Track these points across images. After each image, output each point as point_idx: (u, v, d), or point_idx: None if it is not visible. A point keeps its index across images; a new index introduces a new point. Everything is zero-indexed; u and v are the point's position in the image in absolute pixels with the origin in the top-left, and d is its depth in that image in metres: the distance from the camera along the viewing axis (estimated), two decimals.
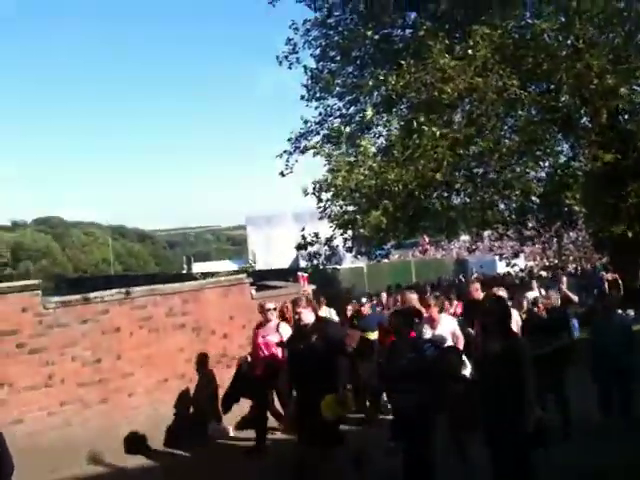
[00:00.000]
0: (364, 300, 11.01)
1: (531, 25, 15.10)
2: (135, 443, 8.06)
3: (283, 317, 8.72)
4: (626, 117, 16.21)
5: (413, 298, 8.73)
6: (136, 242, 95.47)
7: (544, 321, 8.26)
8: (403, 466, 5.54)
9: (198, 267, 39.68)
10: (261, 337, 8.22)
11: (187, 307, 9.05)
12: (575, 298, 11.82)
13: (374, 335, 9.66)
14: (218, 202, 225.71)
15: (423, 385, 5.44)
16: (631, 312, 16.57)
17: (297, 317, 7.01)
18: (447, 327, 7.91)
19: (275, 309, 8.46)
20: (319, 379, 6.15)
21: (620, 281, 15.78)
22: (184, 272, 37.46)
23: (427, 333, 7.85)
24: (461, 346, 7.96)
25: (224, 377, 8.91)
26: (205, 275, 19.31)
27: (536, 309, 8.82)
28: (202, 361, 8.96)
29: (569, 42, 14.75)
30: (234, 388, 8.48)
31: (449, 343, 7.69)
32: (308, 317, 6.79)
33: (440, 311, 8.32)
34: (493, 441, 4.93)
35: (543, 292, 12.95)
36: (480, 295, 9.25)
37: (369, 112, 15.48)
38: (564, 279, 14.34)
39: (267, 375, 8.01)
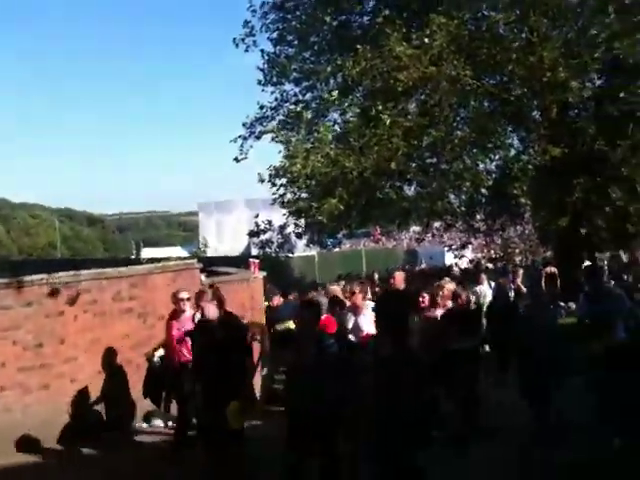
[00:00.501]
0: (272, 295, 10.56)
1: (486, 17, 15.28)
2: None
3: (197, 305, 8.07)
4: (576, 112, 16.57)
5: (336, 290, 8.84)
6: (85, 226, 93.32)
7: (463, 314, 7.98)
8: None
9: (147, 252, 38.99)
10: (176, 329, 7.68)
11: (134, 292, 8.88)
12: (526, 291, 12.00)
13: (290, 325, 9.30)
14: (170, 187, 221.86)
15: (322, 386, 4.75)
16: (572, 305, 17.09)
17: (200, 311, 6.59)
18: (372, 315, 7.27)
19: (189, 299, 7.94)
20: (222, 380, 5.74)
21: (557, 276, 16.17)
22: (133, 257, 36.76)
23: (350, 321, 7.81)
24: None
25: None
26: (153, 260, 18.97)
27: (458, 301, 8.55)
28: (109, 357, 8.21)
29: (523, 35, 14.97)
30: (149, 386, 8.09)
31: (371, 331, 7.29)
32: (212, 312, 6.38)
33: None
34: (381, 456, 4.07)
35: (493, 285, 13.19)
36: (402, 287, 9.19)
37: (334, 94, 15.35)
38: (520, 272, 14.59)
39: (184, 368, 7.45)
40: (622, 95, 15.68)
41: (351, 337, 7.72)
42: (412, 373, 3.92)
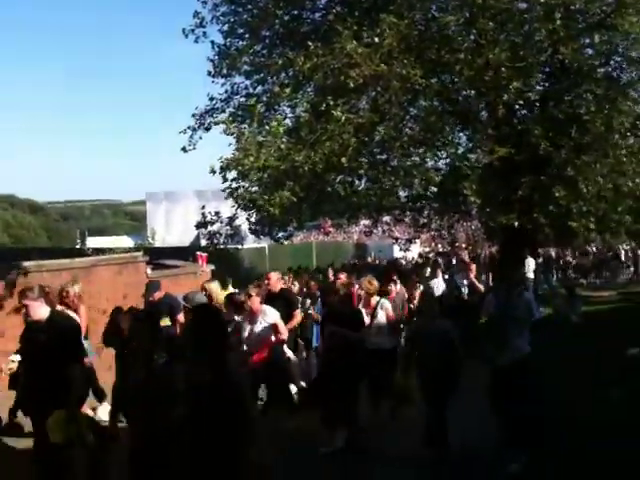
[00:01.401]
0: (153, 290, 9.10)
1: (436, 18, 15.49)
2: None
3: (62, 302, 7.84)
4: (522, 113, 16.98)
5: (213, 288, 8.08)
6: (27, 213, 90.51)
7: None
8: None
9: (93, 242, 38.22)
10: None
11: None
12: (481, 287, 12.20)
13: (167, 321, 8.35)
14: (118, 176, 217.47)
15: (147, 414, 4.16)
16: None
17: (25, 312, 5.90)
18: (270, 319, 7.13)
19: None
20: (43, 388, 5.27)
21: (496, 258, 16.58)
22: (77, 247, 35.90)
23: (246, 329, 7.17)
24: (284, 337, 7.28)
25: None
26: (98, 250, 18.64)
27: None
28: None
29: (472, 37, 15.23)
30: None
31: (270, 337, 6.98)
32: (38, 312, 5.58)
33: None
34: None
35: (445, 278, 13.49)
36: (278, 288, 9.10)
37: (287, 90, 15.27)
38: (473, 267, 14.90)
39: None
40: (567, 98, 16.20)
41: (246, 347, 7.12)
42: (226, 410, 3.26)
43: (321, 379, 7.52)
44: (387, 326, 7.88)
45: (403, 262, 28.10)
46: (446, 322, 6.80)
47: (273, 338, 7.09)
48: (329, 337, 7.13)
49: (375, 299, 8.12)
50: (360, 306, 8.28)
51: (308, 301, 9.92)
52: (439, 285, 13.88)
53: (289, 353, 8.04)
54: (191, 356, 3.57)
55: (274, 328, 7.13)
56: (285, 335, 7.35)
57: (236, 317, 7.54)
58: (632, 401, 7.16)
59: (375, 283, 8.40)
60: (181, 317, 6.87)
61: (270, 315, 7.17)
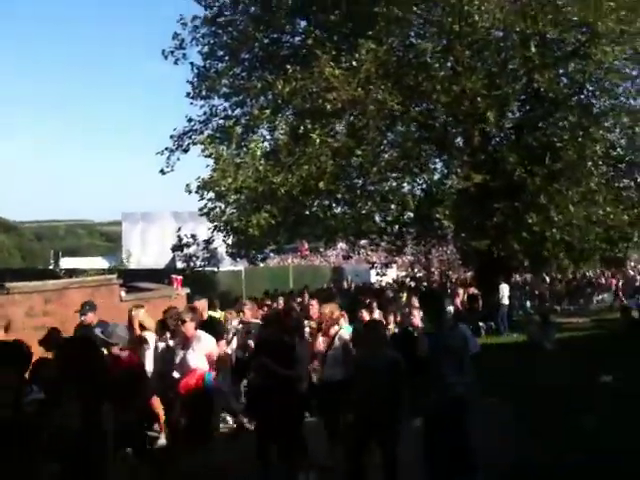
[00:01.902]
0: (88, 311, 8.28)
1: (414, 45, 15.73)
2: None
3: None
4: (497, 140, 17.24)
5: (139, 315, 7.71)
6: (1, 232, 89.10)
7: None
8: None
9: (67, 262, 37.59)
10: None
11: (49, 307, 8.52)
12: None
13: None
14: (93, 195, 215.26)
15: None
16: (492, 324, 17.68)
17: None
18: (204, 346, 6.64)
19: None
20: None
21: (479, 297, 16.69)
22: (51, 267, 35.38)
23: (178, 355, 6.67)
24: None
25: None
26: (72, 272, 18.36)
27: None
28: None
29: (449, 64, 15.48)
30: None
31: (202, 367, 6.52)
32: None
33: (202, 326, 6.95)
34: None
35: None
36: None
37: (266, 112, 15.31)
38: (460, 291, 14.80)
39: None
40: (541, 126, 16.49)
41: (176, 374, 6.65)
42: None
43: (253, 414, 7.01)
44: (343, 357, 7.16)
45: (378, 286, 28.12)
46: (395, 352, 6.19)
47: (205, 367, 6.59)
48: (256, 370, 6.63)
49: (335, 328, 7.56)
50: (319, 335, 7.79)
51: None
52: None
53: (223, 385, 7.61)
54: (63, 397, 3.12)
55: (208, 357, 6.65)
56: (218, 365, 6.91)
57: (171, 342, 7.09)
58: (605, 429, 7.18)
59: (336, 312, 7.88)
60: (116, 349, 6.15)
61: (204, 342, 6.65)
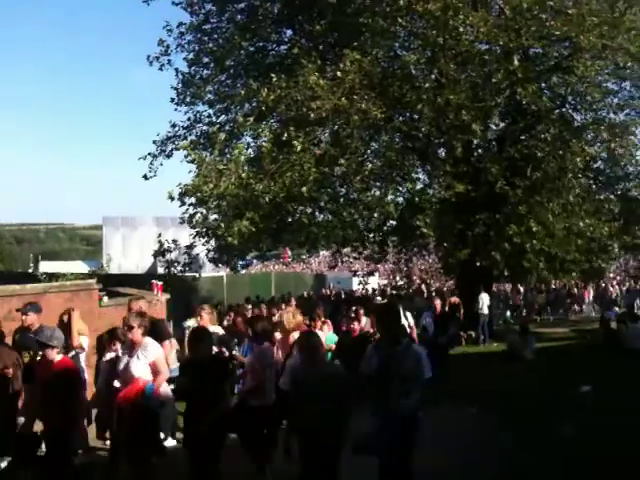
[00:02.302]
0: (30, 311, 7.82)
1: (399, 56, 15.85)
2: None
3: None
4: (480, 151, 17.39)
5: (74, 317, 7.57)
6: None
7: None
8: None
9: (46, 266, 37.18)
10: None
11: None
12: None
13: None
14: (74, 199, 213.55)
15: None
16: (472, 333, 17.80)
17: None
18: (151, 354, 6.22)
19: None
20: None
21: (461, 305, 16.80)
22: (30, 271, 35.02)
23: (123, 361, 6.35)
24: (162, 377, 6.27)
25: None
26: (51, 276, 18.15)
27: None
28: None
29: (433, 76, 15.60)
30: None
31: (145, 376, 6.13)
32: None
33: (148, 333, 6.41)
34: None
35: (409, 315, 13.16)
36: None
37: (250, 119, 15.29)
38: (438, 302, 14.70)
39: None
40: (522, 138, 16.68)
41: (117, 384, 6.35)
42: None
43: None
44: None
45: (361, 295, 28.18)
46: (337, 368, 5.76)
47: (149, 377, 6.16)
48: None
49: (295, 336, 6.92)
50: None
51: (235, 340, 8.72)
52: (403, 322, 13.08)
53: (168, 396, 7.04)
54: None
55: (152, 366, 6.19)
56: (164, 375, 6.33)
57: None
58: (583, 438, 7.26)
59: (298, 317, 7.62)
60: (54, 352, 5.86)
61: (151, 350, 6.22)
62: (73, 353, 7.44)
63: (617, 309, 21.69)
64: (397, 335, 5.47)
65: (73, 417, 6.00)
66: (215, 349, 7.75)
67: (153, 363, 6.20)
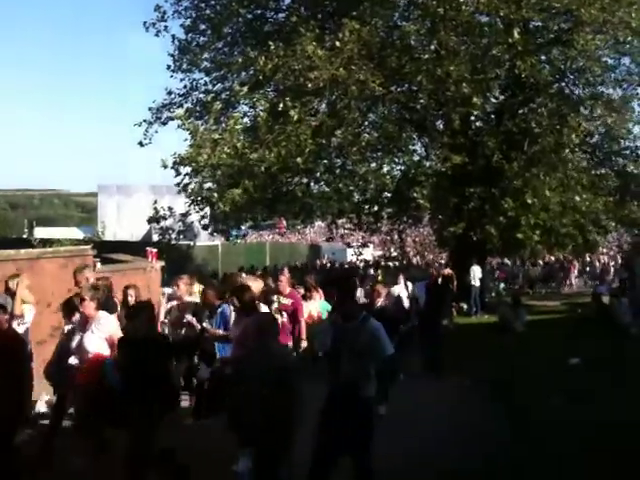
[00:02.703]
0: None
1: (398, 26, 15.67)
2: None
3: None
4: (477, 124, 17.32)
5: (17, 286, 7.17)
6: None
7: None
8: None
9: (41, 232, 37.14)
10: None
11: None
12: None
13: None
14: (69, 166, 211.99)
15: None
16: (464, 305, 17.93)
17: None
18: (105, 328, 5.99)
19: None
20: None
21: (454, 277, 16.88)
22: (25, 236, 34.95)
23: (76, 339, 6.08)
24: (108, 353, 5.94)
25: None
26: (45, 242, 18.14)
27: None
28: None
29: (432, 47, 15.46)
30: None
31: (102, 351, 5.88)
32: None
33: (103, 307, 6.24)
34: None
35: (410, 286, 13.09)
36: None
37: (244, 89, 15.15)
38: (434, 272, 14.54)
39: None
40: (521, 112, 16.61)
41: (73, 360, 6.01)
42: None
43: None
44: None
45: (355, 265, 28.32)
46: (281, 350, 5.37)
47: (106, 351, 5.92)
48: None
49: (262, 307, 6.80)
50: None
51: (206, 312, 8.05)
52: (402, 292, 12.76)
53: None
54: None
55: (109, 340, 5.94)
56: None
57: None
58: (572, 408, 7.39)
59: (259, 287, 7.28)
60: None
61: (105, 324, 5.98)
62: (15, 323, 7.03)
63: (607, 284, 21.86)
64: (352, 309, 5.00)
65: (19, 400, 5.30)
66: (189, 318, 7.85)
67: (110, 337, 5.93)
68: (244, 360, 5.19)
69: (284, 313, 8.51)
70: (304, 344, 8.97)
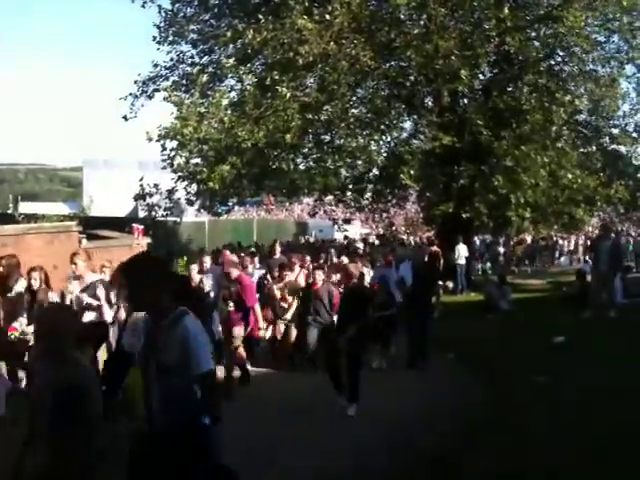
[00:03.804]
0: None
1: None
2: None
3: None
4: (466, 101, 17.22)
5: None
6: None
7: None
8: None
9: (26, 207, 36.75)
10: None
11: (5, 252, 8.30)
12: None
13: None
14: (54, 140, 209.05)
15: None
16: (450, 283, 17.98)
17: None
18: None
19: None
20: None
21: (440, 255, 16.94)
22: (9, 212, 34.59)
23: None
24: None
25: None
26: (31, 217, 17.97)
27: None
28: None
29: (422, 22, 15.29)
30: None
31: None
32: None
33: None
34: None
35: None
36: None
37: (231, 61, 14.93)
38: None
39: None
40: (509, 89, 16.52)
41: None
42: None
43: None
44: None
45: (344, 242, 28.30)
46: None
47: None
48: None
49: None
50: None
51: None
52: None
53: None
54: None
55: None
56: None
57: None
58: (555, 387, 7.46)
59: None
60: None
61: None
62: None
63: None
64: (155, 302, 3.36)
65: None
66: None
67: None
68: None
69: (230, 302, 7.80)
70: (261, 333, 8.85)
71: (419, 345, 9.19)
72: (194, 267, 9.48)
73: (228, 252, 11.68)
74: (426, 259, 15.76)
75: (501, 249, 28.19)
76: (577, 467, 5.07)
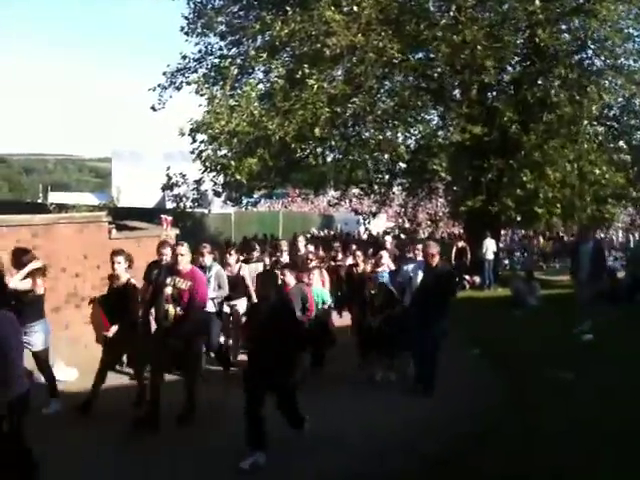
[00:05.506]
0: None
1: None
2: None
3: None
4: (494, 94, 17.01)
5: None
6: None
7: None
8: None
9: (56, 197, 37.27)
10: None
11: (36, 241, 8.43)
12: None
13: None
14: (83, 131, 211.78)
15: None
16: (477, 278, 17.84)
17: None
18: None
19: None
20: None
21: (467, 250, 16.82)
22: (40, 201, 35.12)
23: None
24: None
25: (73, 318, 8.51)
26: (61, 207, 18.22)
27: None
28: None
29: (451, 13, 15.13)
30: None
31: None
32: None
33: None
34: None
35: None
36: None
37: (262, 55, 14.91)
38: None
39: None
40: (539, 82, 16.27)
41: None
42: None
43: None
44: None
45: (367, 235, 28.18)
46: None
47: None
48: None
49: None
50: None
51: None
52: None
53: None
54: None
55: None
56: None
57: None
58: (575, 386, 7.37)
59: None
60: None
61: None
62: None
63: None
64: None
65: None
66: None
67: None
68: None
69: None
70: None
71: (422, 363, 7.56)
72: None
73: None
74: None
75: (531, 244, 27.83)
76: (582, 469, 5.03)
